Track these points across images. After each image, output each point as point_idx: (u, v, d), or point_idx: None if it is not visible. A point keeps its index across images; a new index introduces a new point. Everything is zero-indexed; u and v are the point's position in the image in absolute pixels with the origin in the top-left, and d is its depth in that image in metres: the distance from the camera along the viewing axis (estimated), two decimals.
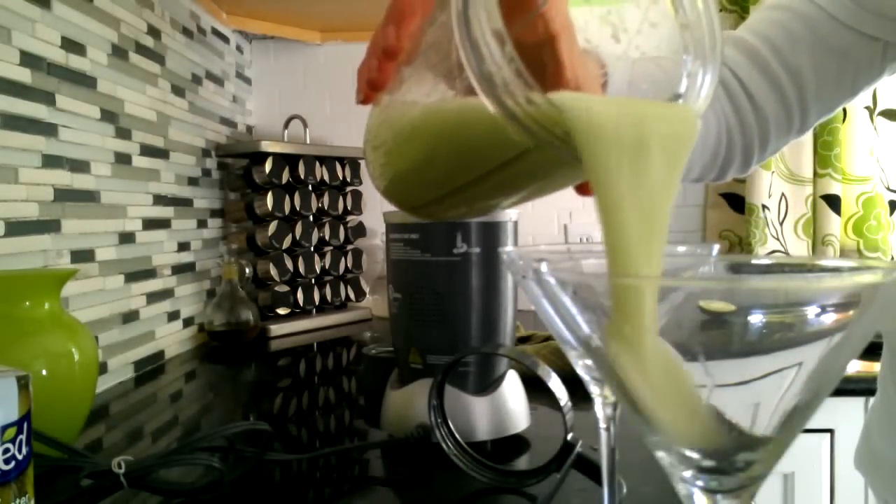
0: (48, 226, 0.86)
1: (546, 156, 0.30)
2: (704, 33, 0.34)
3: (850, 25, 0.60)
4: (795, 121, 0.65)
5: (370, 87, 0.37)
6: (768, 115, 0.64)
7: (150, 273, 1.12)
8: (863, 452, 0.71)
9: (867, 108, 1.57)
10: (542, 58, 0.36)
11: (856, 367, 1.05)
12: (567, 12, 0.37)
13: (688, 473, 0.28)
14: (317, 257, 1.49)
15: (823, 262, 0.30)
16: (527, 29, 0.36)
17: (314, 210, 1.48)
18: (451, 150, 0.34)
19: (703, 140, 0.63)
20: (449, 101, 0.32)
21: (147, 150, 1.12)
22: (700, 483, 0.28)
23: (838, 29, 0.61)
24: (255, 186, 1.41)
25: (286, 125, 1.56)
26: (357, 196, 1.60)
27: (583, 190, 0.40)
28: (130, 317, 1.06)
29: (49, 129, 0.86)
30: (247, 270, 1.37)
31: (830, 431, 1.07)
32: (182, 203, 1.25)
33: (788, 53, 0.62)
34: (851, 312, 0.24)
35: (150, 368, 1.10)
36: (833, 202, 1.58)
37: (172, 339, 1.21)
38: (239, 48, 1.63)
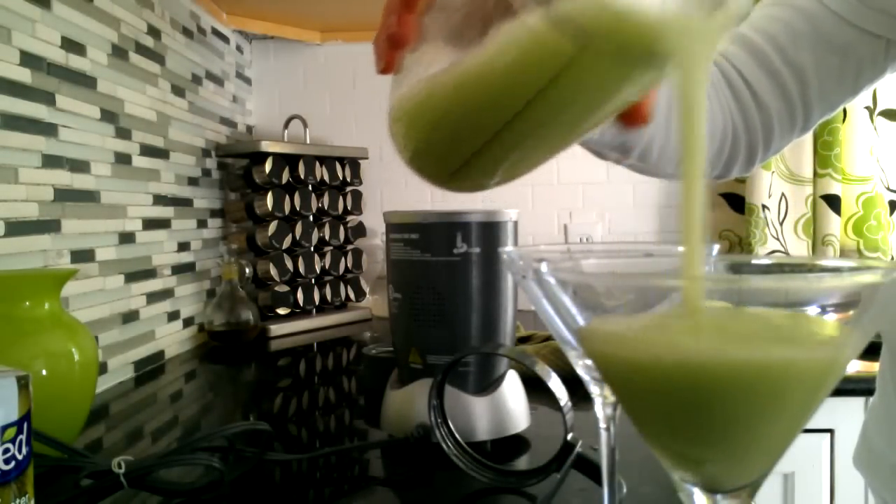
0: (48, 226, 0.86)
1: (579, 76, 0.28)
2: None
3: (853, 22, 0.60)
4: (798, 119, 0.65)
5: (392, 45, 0.36)
6: (772, 112, 0.64)
7: (150, 273, 1.12)
8: (861, 452, 0.71)
9: (867, 108, 1.57)
10: None
11: (856, 367, 1.05)
12: None
13: (689, 475, 0.28)
14: (317, 257, 1.49)
15: (823, 262, 0.30)
16: None
17: (314, 210, 1.48)
18: (474, 95, 0.31)
19: (710, 136, 0.63)
20: (470, 52, 0.31)
21: (147, 150, 1.12)
22: (700, 483, 0.28)
23: (841, 26, 0.61)
24: (255, 186, 1.41)
25: (286, 125, 1.56)
26: (357, 196, 1.60)
27: (634, 117, 0.37)
28: (130, 317, 1.06)
29: (49, 129, 0.86)
30: (247, 270, 1.37)
31: (830, 431, 1.07)
32: (182, 203, 1.25)
33: (791, 50, 0.62)
34: (851, 312, 0.24)
35: (150, 368, 1.10)
36: (833, 202, 1.58)
37: (172, 339, 1.21)
38: (239, 48, 1.63)
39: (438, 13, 0.33)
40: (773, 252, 1.60)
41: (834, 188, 1.57)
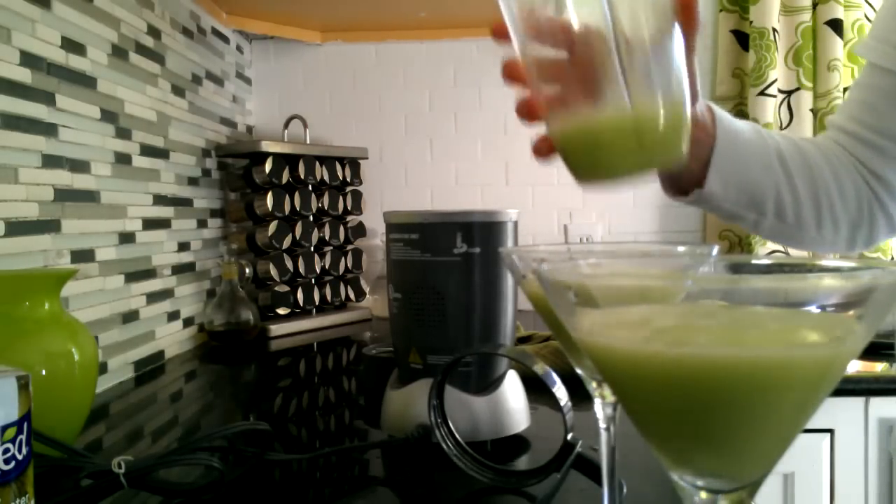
0: (48, 226, 0.86)
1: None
2: None
3: None
4: None
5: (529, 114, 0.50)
6: (892, 181, 0.68)
7: (150, 273, 1.12)
8: None
9: None
10: None
11: (856, 367, 1.05)
12: None
13: (688, 474, 0.28)
14: (317, 257, 1.49)
15: (823, 262, 0.30)
16: None
17: (314, 210, 1.48)
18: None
19: (844, 203, 0.69)
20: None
21: (147, 150, 1.12)
22: (700, 483, 0.28)
23: None
24: (255, 186, 1.41)
25: (286, 125, 1.56)
26: (357, 196, 1.60)
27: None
28: (130, 317, 1.06)
29: (49, 129, 0.86)
30: (247, 270, 1.37)
31: (830, 431, 1.07)
32: (182, 203, 1.25)
33: (879, 124, 0.67)
34: (851, 312, 0.24)
35: (150, 368, 1.10)
36: None
37: (172, 339, 1.21)
38: (239, 48, 1.63)
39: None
40: (773, 252, 1.60)
41: None
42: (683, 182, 0.65)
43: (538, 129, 0.50)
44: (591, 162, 0.46)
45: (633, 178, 0.47)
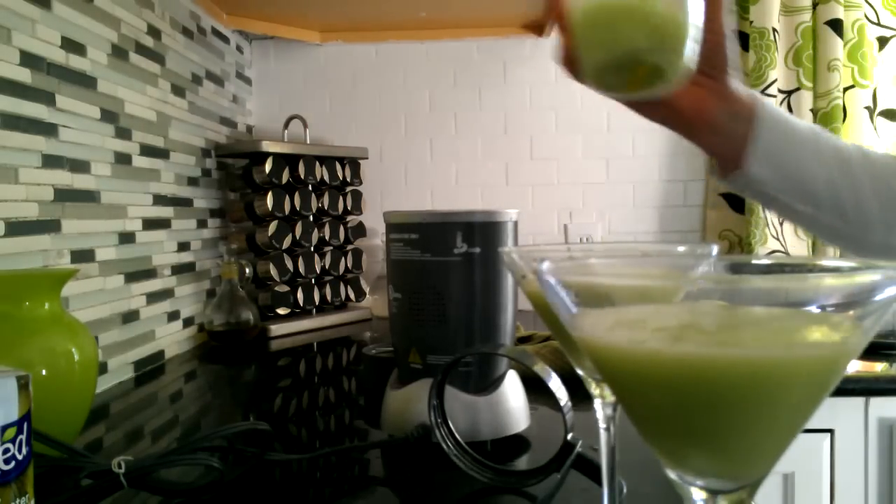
0: (48, 226, 0.86)
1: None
2: None
3: None
4: None
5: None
6: None
7: (150, 273, 1.12)
8: None
9: (867, 108, 1.57)
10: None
11: (856, 367, 1.05)
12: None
13: (688, 474, 0.28)
14: (317, 257, 1.49)
15: (823, 262, 0.30)
16: None
17: (314, 210, 1.48)
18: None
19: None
20: None
21: (147, 150, 1.12)
22: (700, 483, 0.28)
23: None
24: (255, 186, 1.41)
25: (286, 125, 1.56)
26: (357, 196, 1.60)
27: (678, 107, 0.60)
28: (130, 317, 1.06)
29: (49, 129, 0.86)
30: (247, 270, 1.37)
31: (830, 431, 1.07)
32: (182, 203, 1.25)
33: None
34: (851, 312, 0.24)
35: (150, 368, 1.10)
36: None
37: (172, 339, 1.21)
38: (239, 48, 1.63)
39: None
40: (773, 252, 1.60)
41: None
42: (727, 163, 0.62)
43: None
44: (597, 36, 0.51)
45: (639, 70, 0.51)
